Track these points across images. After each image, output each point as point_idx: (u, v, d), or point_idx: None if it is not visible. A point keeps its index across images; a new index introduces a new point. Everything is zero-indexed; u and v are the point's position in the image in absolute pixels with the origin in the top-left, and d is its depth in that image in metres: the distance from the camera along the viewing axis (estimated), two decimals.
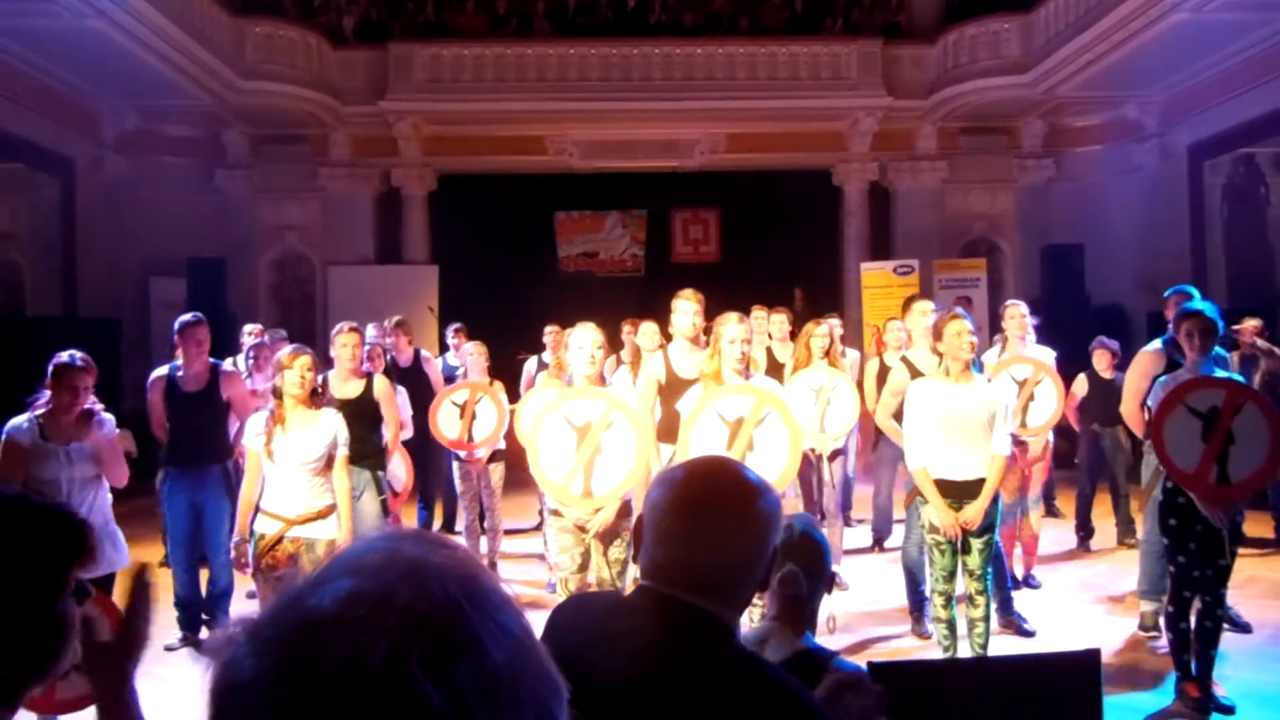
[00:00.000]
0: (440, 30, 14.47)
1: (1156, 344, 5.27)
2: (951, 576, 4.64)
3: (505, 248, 14.50)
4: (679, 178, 15.08)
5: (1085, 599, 6.38)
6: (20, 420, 4.36)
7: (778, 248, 14.26)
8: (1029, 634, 5.56)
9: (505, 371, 8.04)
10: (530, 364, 8.37)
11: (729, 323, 4.58)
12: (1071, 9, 12.12)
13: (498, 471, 7.17)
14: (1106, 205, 13.73)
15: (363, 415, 5.63)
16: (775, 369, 6.26)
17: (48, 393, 4.40)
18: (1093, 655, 2.50)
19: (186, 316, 5.95)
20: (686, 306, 5.29)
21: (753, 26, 14.66)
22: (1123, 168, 14.00)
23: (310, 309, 14.43)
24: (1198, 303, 4.87)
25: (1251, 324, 7.28)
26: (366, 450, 5.65)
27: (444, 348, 9.17)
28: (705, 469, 1.64)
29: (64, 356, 4.44)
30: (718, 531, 1.50)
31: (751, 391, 4.54)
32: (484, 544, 7.19)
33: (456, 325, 8.68)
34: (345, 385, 5.78)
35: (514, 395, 7.55)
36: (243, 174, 14.38)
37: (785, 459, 4.42)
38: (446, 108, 14.00)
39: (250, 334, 7.77)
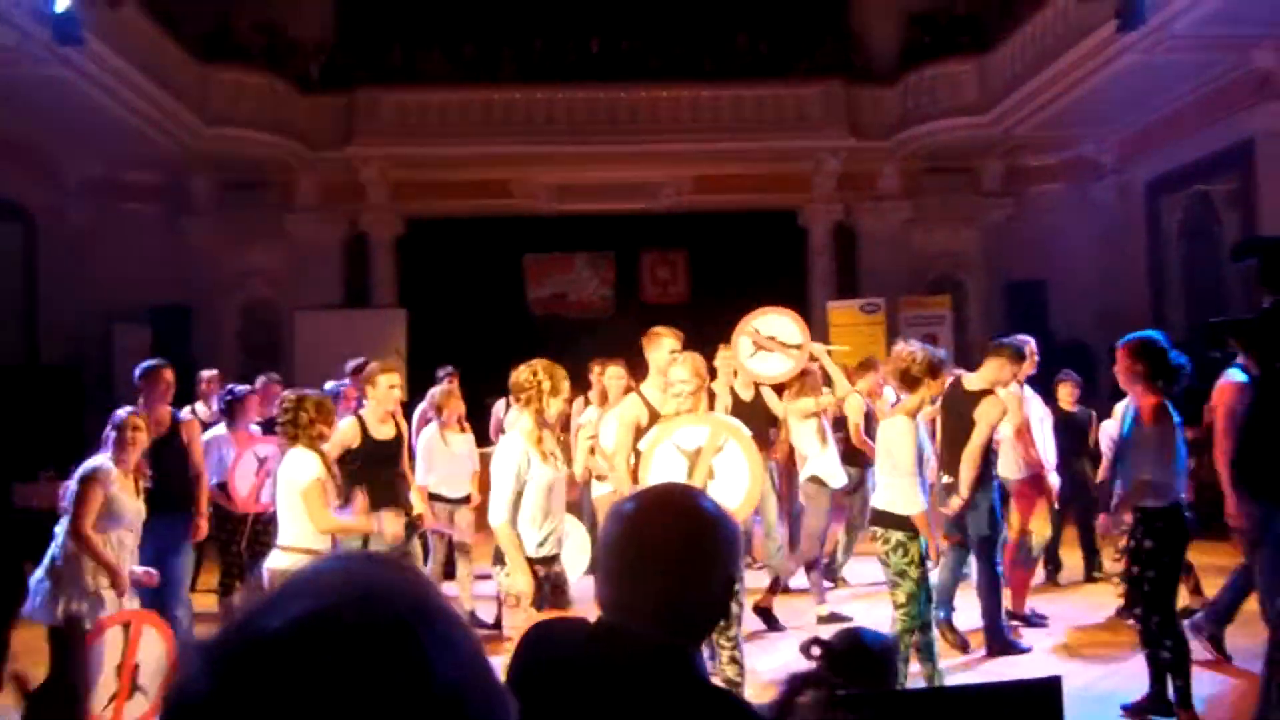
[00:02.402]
0: (407, 75, 14.54)
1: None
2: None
3: (474, 291, 14.50)
4: (647, 219, 15.17)
5: (1055, 631, 6.40)
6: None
7: (746, 288, 14.28)
8: (1026, 649, 5.79)
9: (474, 415, 7.96)
10: (498, 406, 8.29)
11: (676, 365, 4.59)
12: (1027, 51, 12.41)
13: (465, 517, 6.79)
14: (1067, 242, 13.95)
15: (394, 460, 5.65)
16: (739, 407, 6.19)
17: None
18: (1054, 684, 2.49)
19: (150, 361, 5.85)
20: (668, 343, 5.18)
21: (717, 69, 14.84)
22: (1081, 205, 14.26)
23: (277, 355, 14.30)
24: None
25: None
26: (402, 498, 5.64)
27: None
28: (657, 499, 1.62)
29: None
30: (671, 563, 1.48)
31: (707, 421, 4.55)
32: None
33: (449, 369, 8.34)
34: (382, 427, 5.61)
35: (482, 439, 7.48)
36: (208, 220, 14.32)
37: (745, 487, 4.40)
38: (413, 152, 14.05)
39: (207, 381, 7.71)
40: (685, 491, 1.69)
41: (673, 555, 1.49)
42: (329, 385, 7.15)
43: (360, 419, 5.57)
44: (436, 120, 14.09)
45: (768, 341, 6.15)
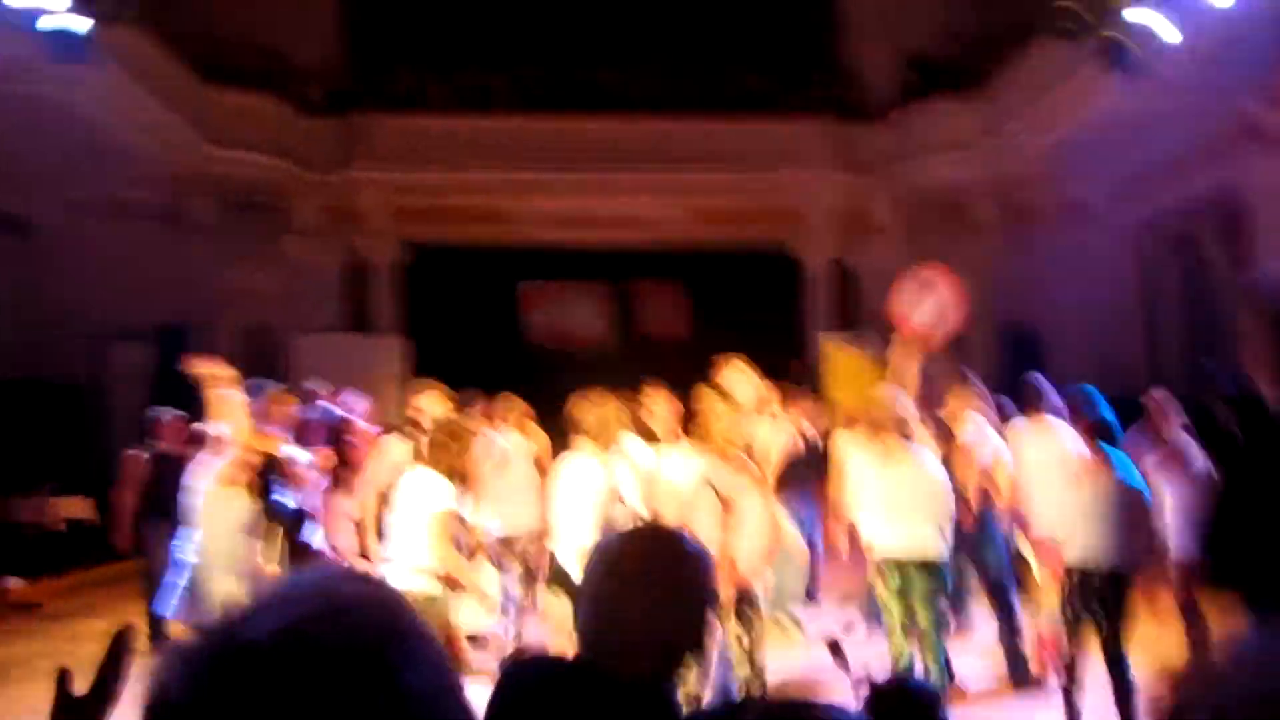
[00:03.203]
0: (409, 101, 14.62)
1: None
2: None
3: (473, 319, 14.52)
4: (642, 250, 15.20)
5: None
6: None
7: (741, 320, 14.41)
8: None
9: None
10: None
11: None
12: (1020, 91, 12.57)
13: None
14: (1060, 283, 14.03)
15: None
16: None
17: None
18: None
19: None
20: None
21: (711, 103, 14.91)
22: (1075, 247, 14.33)
23: (275, 378, 14.25)
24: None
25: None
26: None
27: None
28: (639, 537, 1.68)
29: None
30: (650, 596, 1.52)
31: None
32: None
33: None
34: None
35: None
36: (207, 240, 14.28)
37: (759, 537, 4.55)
38: (414, 178, 14.13)
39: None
40: (665, 528, 1.73)
41: (651, 588, 1.52)
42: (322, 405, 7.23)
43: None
44: (438, 147, 14.17)
45: None
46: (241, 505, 5.03)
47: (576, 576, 4.45)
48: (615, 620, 1.54)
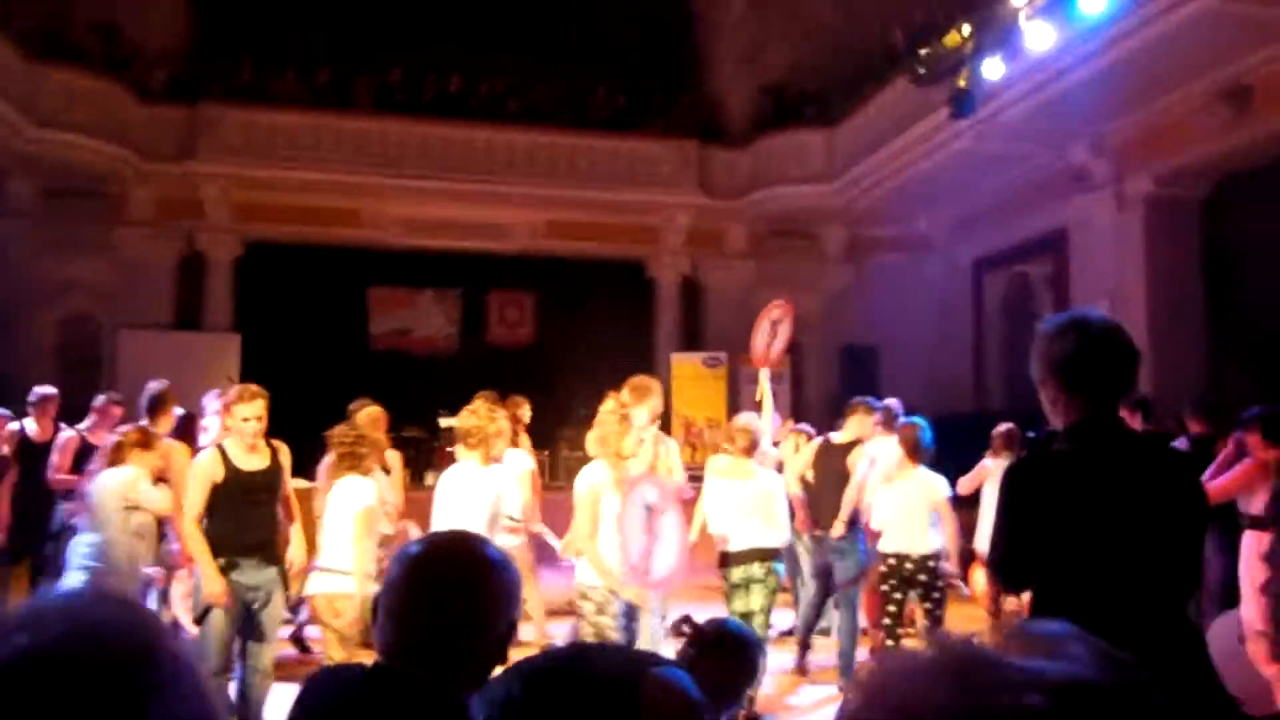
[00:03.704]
0: (257, 94, 14.10)
1: None
2: None
3: (314, 320, 14.04)
4: (497, 259, 15.12)
5: None
6: None
7: (593, 334, 14.46)
8: None
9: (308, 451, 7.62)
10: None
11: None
12: (870, 128, 13.09)
13: None
14: (900, 311, 14.66)
15: (272, 493, 4.95)
16: None
17: None
18: None
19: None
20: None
21: (575, 119, 15.02)
22: (915, 278, 15.03)
23: (97, 372, 13.47)
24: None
25: (1004, 427, 7.54)
26: (276, 537, 4.98)
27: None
28: (440, 544, 1.65)
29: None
30: (443, 606, 1.51)
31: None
32: None
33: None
34: (251, 457, 4.87)
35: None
36: (26, 226, 13.38)
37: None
38: (258, 173, 13.59)
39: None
40: (468, 537, 1.72)
41: (452, 597, 1.51)
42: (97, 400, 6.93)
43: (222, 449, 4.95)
44: (286, 143, 13.69)
45: None
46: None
47: None
48: (412, 626, 1.51)
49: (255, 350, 13.21)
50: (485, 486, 4.86)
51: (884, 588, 5.80)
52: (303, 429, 7.10)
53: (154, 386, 6.37)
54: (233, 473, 4.72)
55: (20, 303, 13.18)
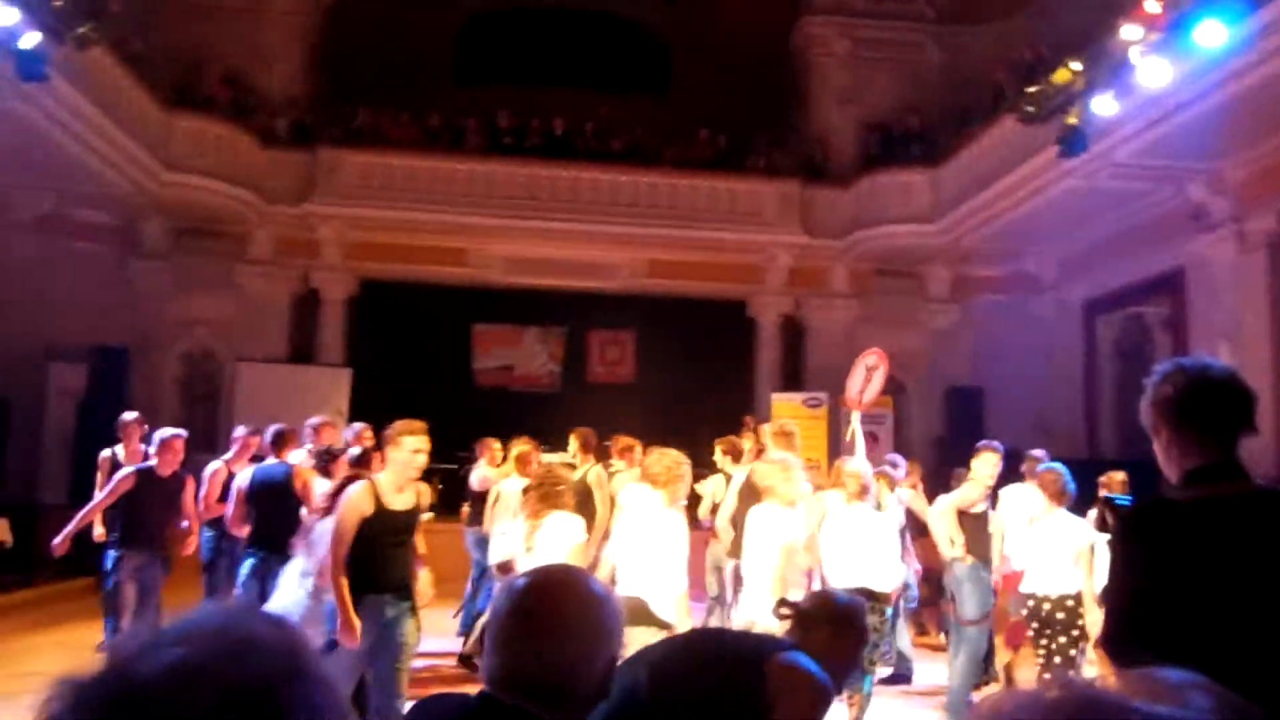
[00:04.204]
0: (372, 139, 14.66)
1: None
2: None
3: (421, 356, 14.44)
4: (599, 298, 15.29)
5: None
6: None
7: (692, 373, 14.49)
8: None
9: None
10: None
11: None
12: (975, 166, 12.88)
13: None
14: (1006, 352, 14.30)
15: (411, 533, 4.85)
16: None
17: None
18: None
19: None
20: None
21: (677, 160, 15.18)
22: (1022, 318, 14.65)
23: (216, 405, 14.08)
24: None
25: (1119, 477, 7.21)
26: (411, 576, 4.89)
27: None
28: (546, 577, 1.67)
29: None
30: (551, 639, 1.52)
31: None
32: None
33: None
34: (400, 495, 4.69)
35: None
36: (158, 265, 14.15)
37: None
38: (372, 214, 14.09)
39: (128, 424, 7.66)
40: (574, 571, 1.74)
41: (558, 629, 1.53)
42: (238, 431, 7.18)
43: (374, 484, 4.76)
44: (398, 185, 14.17)
45: None
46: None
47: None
48: (515, 657, 1.53)
49: (365, 384, 13.62)
50: (674, 528, 4.92)
51: (1030, 632, 5.83)
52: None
53: (278, 426, 6.83)
54: (381, 510, 4.56)
55: (151, 337, 13.90)
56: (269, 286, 14.59)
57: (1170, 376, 2.17)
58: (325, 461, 6.38)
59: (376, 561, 4.52)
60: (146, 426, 7.73)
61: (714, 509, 7.49)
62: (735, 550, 6.11)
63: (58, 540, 6.56)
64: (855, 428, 7.25)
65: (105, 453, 7.72)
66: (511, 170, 14.44)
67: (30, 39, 8.19)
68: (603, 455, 7.76)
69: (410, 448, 4.60)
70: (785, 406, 14.08)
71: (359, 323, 14.76)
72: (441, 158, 14.49)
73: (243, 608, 0.78)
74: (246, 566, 6.18)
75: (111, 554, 6.48)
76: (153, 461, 6.62)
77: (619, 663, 1.66)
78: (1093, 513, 6.88)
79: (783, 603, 2.75)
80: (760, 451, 7.09)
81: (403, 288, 14.60)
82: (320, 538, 4.94)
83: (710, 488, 7.77)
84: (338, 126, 14.67)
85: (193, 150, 13.02)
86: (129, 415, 7.93)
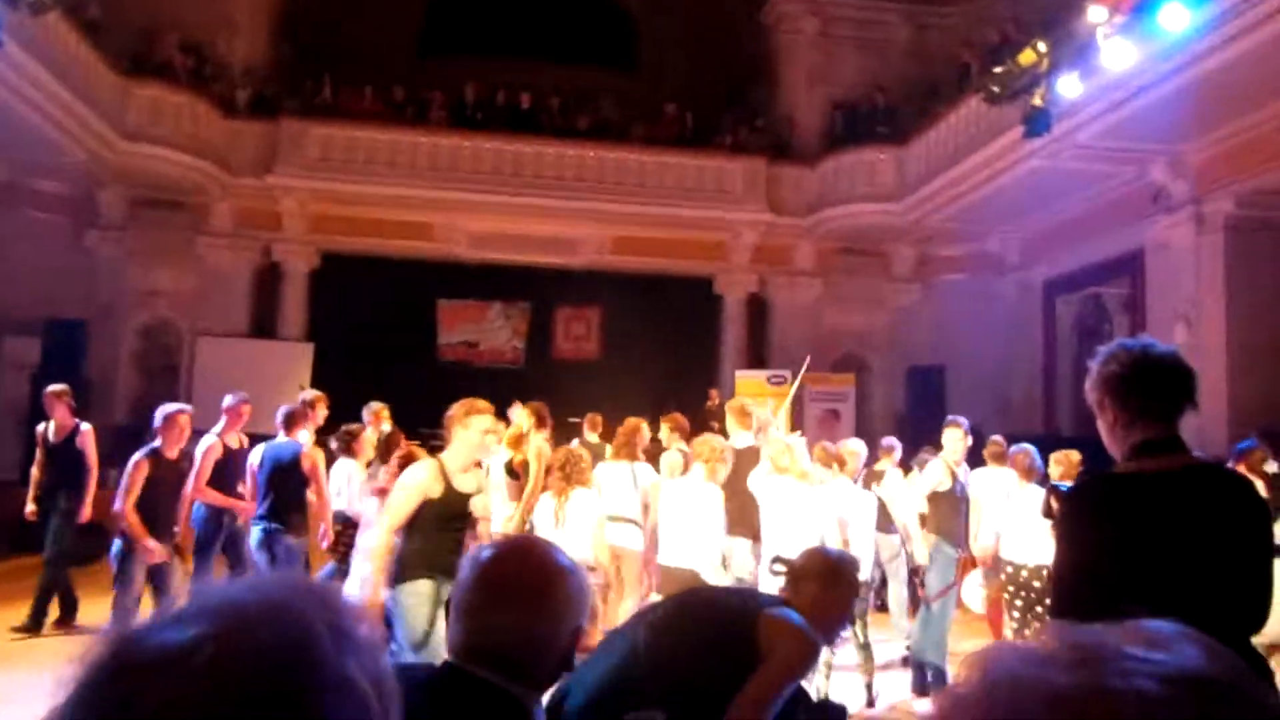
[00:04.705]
0: (335, 111, 14.47)
1: None
2: None
3: (385, 331, 14.31)
4: (564, 274, 15.25)
5: None
6: None
7: (658, 350, 14.51)
8: None
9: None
10: None
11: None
12: (941, 146, 12.95)
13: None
14: (968, 331, 14.46)
15: (467, 518, 4.60)
16: None
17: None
18: None
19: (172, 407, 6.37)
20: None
21: (645, 137, 15.13)
22: (984, 297, 14.81)
23: (175, 379, 13.90)
24: None
25: (1075, 457, 7.43)
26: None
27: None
28: (510, 548, 1.69)
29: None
30: (513, 609, 1.53)
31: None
32: None
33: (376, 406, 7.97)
34: (466, 477, 4.49)
35: None
36: (115, 235, 13.91)
37: None
38: (335, 187, 13.93)
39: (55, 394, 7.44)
40: (538, 541, 1.75)
41: (521, 599, 1.53)
42: (227, 401, 6.99)
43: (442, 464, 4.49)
44: (362, 158, 14.01)
45: None
46: None
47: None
48: (479, 627, 1.54)
49: (327, 359, 13.51)
50: (716, 500, 5.44)
51: (1005, 594, 6.34)
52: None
53: (298, 400, 7.10)
54: (449, 491, 4.33)
55: (108, 309, 13.68)
56: (230, 259, 14.40)
57: (1115, 356, 2.24)
58: (347, 441, 6.85)
59: (438, 543, 4.28)
60: (71, 399, 7.39)
61: None
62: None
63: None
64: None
65: (39, 428, 7.43)
66: (477, 145, 14.32)
67: None
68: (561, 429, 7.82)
69: (480, 428, 4.41)
70: (749, 384, 14.16)
71: (321, 297, 14.60)
72: (406, 131, 14.34)
73: (278, 578, 0.75)
74: (255, 537, 6.31)
75: (119, 542, 6.14)
76: (157, 442, 6.26)
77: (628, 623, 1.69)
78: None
79: (777, 559, 2.88)
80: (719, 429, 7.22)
81: (366, 262, 14.45)
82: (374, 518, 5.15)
83: (667, 464, 7.79)
84: (301, 98, 14.45)
85: (151, 119, 12.77)
86: (53, 387, 7.50)
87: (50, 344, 12.17)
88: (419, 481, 4.29)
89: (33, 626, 6.99)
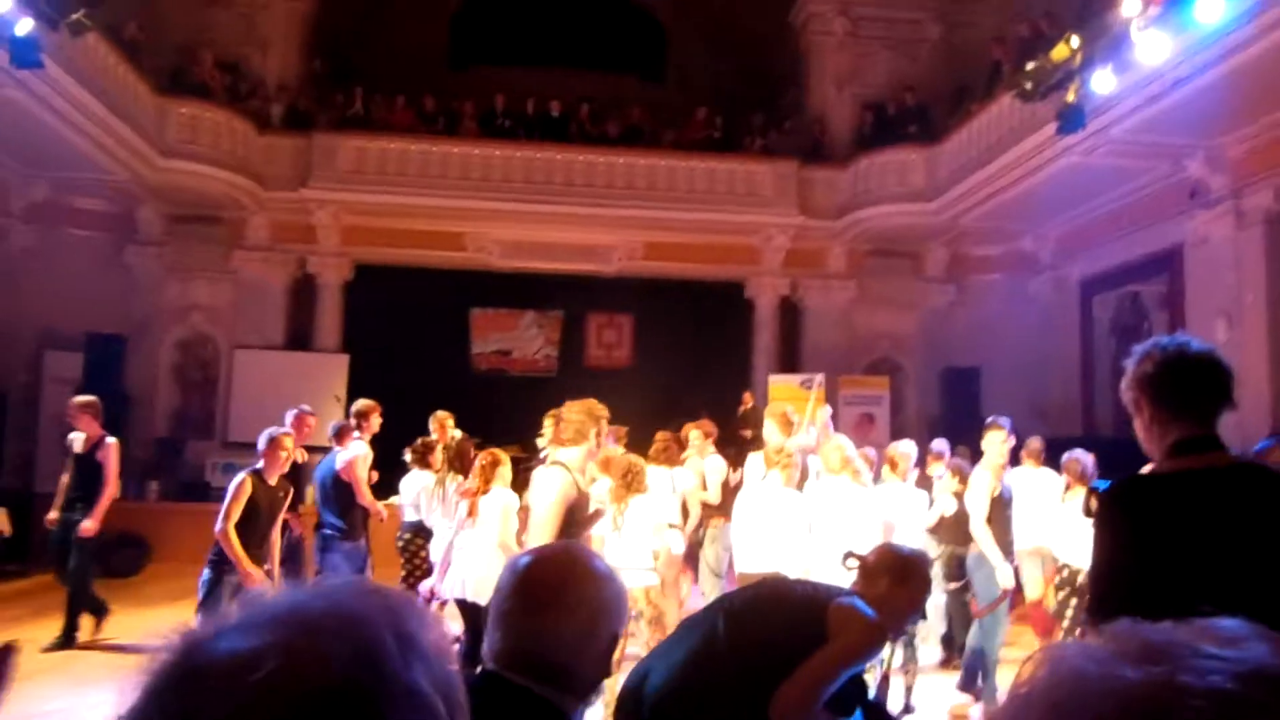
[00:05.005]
0: (367, 124, 14.61)
1: None
2: None
3: (418, 341, 14.41)
4: (596, 281, 15.27)
5: None
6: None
7: (690, 355, 14.50)
8: None
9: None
10: None
11: None
12: (973, 145, 12.83)
13: None
14: (1003, 331, 14.31)
15: None
16: None
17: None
18: None
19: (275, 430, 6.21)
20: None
21: (675, 142, 15.14)
22: (1019, 297, 14.65)
23: (212, 392, 14.08)
24: None
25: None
26: None
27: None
28: (548, 555, 1.69)
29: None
30: (550, 615, 1.53)
31: None
32: None
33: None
34: (583, 478, 4.66)
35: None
36: (154, 251, 14.12)
37: None
38: (368, 199, 14.06)
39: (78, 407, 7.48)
40: (577, 548, 1.74)
41: (560, 607, 1.53)
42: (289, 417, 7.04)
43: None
44: (394, 169, 14.13)
45: None
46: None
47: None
48: (516, 633, 1.54)
49: (362, 370, 13.62)
50: (796, 505, 5.69)
51: (1059, 596, 6.37)
52: (405, 445, 7.34)
53: (338, 421, 7.50)
54: (581, 494, 4.41)
55: (147, 324, 13.89)
56: (265, 272, 14.57)
57: (1150, 354, 2.22)
58: (423, 454, 7.13)
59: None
60: (98, 411, 7.43)
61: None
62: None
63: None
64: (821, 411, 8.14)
65: (69, 437, 7.49)
66: (508, 154, 14.39)
67: (24, 26, 8.12)
68: None
69: (598, 433, 4.51)
70: (782, 388, 14.09)
71: (355, 308, 14.72)
72: (437, 141, 14.44)
73: (346, 585, 0.73)
74: (316, 544, 6.83)
75: (208, 571, 5.80)
76: (259, 464, 5.97)
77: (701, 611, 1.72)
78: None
79: (849, 554, 2.93)
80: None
81: (399, 272, 14.55)
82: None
83: (704, 469, 7.83)
84: (333, 111, 14.62)
85: (188, 136, 12.96)
86: (78, 399, 7.53)
87: (91, 359, 12.38)
88: (563, 492, 4.25)
89: (64, 643, 7.07)
